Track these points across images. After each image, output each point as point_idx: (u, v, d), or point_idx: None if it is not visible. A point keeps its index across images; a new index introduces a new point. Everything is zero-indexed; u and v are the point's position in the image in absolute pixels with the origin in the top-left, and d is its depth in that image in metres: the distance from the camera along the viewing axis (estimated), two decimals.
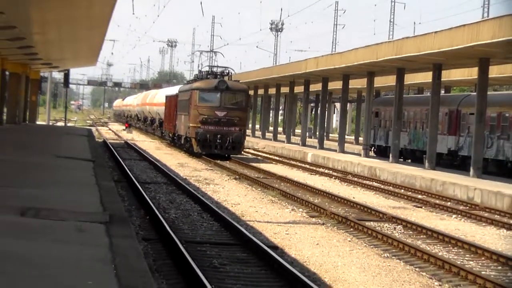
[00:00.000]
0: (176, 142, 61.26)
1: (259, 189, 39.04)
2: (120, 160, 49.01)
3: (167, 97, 69.22)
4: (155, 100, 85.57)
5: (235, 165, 50.63)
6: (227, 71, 52.16)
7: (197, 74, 55.44)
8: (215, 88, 46.37)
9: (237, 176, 45.29)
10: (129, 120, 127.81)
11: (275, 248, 21.13)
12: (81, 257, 13.00)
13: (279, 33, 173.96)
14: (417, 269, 20.26)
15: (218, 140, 45.50)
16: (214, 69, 52.87)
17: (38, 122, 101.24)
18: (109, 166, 41.66)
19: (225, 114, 46.11)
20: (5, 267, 11.66)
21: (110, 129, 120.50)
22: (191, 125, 46.23)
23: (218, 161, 40.44)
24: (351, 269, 19.57)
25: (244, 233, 23.02)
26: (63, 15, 43.52)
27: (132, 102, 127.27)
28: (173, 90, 67.19)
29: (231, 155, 47.77)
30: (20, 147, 42.82)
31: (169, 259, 18.79)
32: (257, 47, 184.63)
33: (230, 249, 21.25)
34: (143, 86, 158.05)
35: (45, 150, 42.31)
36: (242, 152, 54.38)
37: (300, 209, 31.41)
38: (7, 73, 72.46)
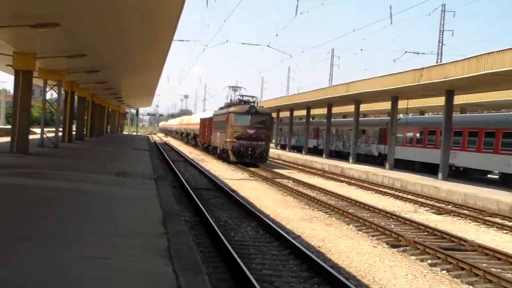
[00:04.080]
0: (210, 151, 49.21)
1: (226, 164, 38.40)
2: (162, 150, 48.17)
3: (201, 119, 57.79)
4: (190, 122, 74.45)
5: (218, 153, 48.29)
6: (254, 99, 41.09)
7: (228, 103, 44.22)
8: (247, 111, 36.36)
9: (216, 157, 43.44)
10: (168, 132, 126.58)
11: (233, 191, 21.24)
12: (143, 195, 13.15)
13: (235, 91, 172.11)
14: (298, 200, 20.45)
15: (249, 152, 35.52)
16: (245, 98, 41.48)
17: (124, 133, 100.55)
18: (156, 153, 41.34)
19: (254, 132, 35.94)
20: (107, 199, 11.79)
21: (157, 136, 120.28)
22: (228, 140, 36.65)
23: (250, 168, 33.25)
24: (268, 200, 19.75)
25: (219, 184, 23.19)
26: (136, 83, 43.24)
27: (173, 123, 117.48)
28: (206, 114, 56.59)
29: (259, 164, 36.85)
30: (114, 144, 42.45)
31: (184, 196, 18.78)
32: (226, 98, 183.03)
33: (213, 191, 21.30)
34: (173, 116, 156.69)
35: (126, 145, 41.99)
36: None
37: (245, 173, 31.33)
38: (110, 110, 72.04)
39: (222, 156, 40.16)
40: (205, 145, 51.81)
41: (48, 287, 5.48)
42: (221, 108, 45.64)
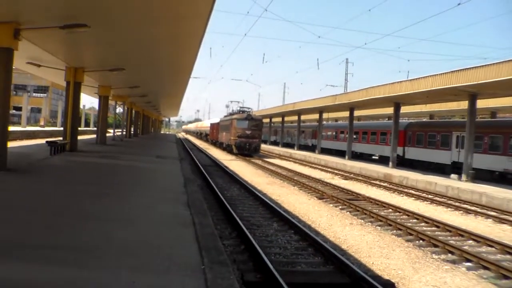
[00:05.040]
0: (216, 144, 42.62)
1: (223, 151, 37.83)
2: (183, 143, 46.81)
3: (211, 124, 50.41)
4: (203, 125, 67.06)
5: (218, 145, 44.95)
6: (250, 109, 34.91)
7: (231, 112, 37.17)
8: (245, 118, 31.07)
9: (221, 149, 41.88)
10: (188, 132, 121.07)
11: (226, 167, 20.86)
12: (172, 169, 12.94)
13: (227, 107, 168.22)
14: (264, 172, 20.16)
15: (247, 146, 30.49)
16: (244, 109, 35.13)
17: (161, 132, 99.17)
18: (179, 144, 40.78)
19: (250, 132, 30.74)
20: (150, 171, 11.58)
21: (181, 134, 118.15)
22: (232, 138, 31.39)
23: (246, 158, 28.51)
24: (246, 172, 19.44)
25: (217, 162, 22.67)
26: (168, 102, 42.61)
27: (191, 126, 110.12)
28: (215, 120, 48.42)
29: (253, 154, 31.27)
30: (154, 138, 41.74)
31: (197, 170, 18.26)
32: (229, 108, 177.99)
33: (214, 167, 20.86)
34: (190, 122, 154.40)
35: (162, 139, 41.45)
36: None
37: (233, 156, 30.43)
38: (153, 118, 70.67)
39: (226, 149, 34.25)
40: (214, 141, 45.87)
41: (117, 221, 5.43)
42: (225, 116, 39.64)
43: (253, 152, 30.95)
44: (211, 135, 48.24)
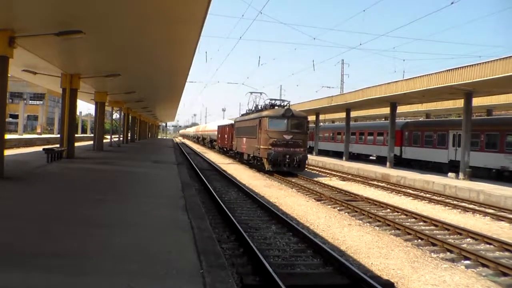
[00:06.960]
0: (226, 153, 33.22)
1: (218, 153, 37.63)
2: (181, 147, 46.51)
3: (219, 126, 38.43)
4: (206, 129, 54.19)
5: (216, 148, 44.60)
6: (286, 102, 22.73)
7: (252, 109, 25.51)
8: (282, 115, 19.57)
9: (215, 149, 41.85)
10: (186, 137, 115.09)
11: (224, 170, 20.75)
12: (169, 174, 12.83)
13: (224, 112, 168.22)
14: (262, 175, 20.10)
15: (287, 160, 19.18)
16: (276, 102, 22.83)
17: (158, 137, 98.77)
18: (177, 149, 40.54)
19: (291, 137, 19.37)
20: (147, 176, 11.52)
21: (178, 139, 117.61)
22: (262, 147, 19.94)
23: (288, 178, 18.45)
24: (244, 176, 19.43)
25: (215, 166, 22.55)
26: (165, 107, 42.43)
27: (190, 130, 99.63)
28: (224, 122, 39.24)
29: (297, 173, 19.90)
30: (151, 144, 41.52)
31: (194, 175, 18.29)
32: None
33: (211, 171, 20.77)
34: (187, 126, 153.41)
35: (159, 144, 41.18)
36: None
37: (230, 159, 30.23)
38: (150, 124, 70.49)
39: (253, 163, 22.63)
40: (225, 149, 33.61)
41: (115, 227, 5.41)
42: (243, 115, 27.63)
43: (297, 169, 19.72)
44: (221, 142, 36.24)
